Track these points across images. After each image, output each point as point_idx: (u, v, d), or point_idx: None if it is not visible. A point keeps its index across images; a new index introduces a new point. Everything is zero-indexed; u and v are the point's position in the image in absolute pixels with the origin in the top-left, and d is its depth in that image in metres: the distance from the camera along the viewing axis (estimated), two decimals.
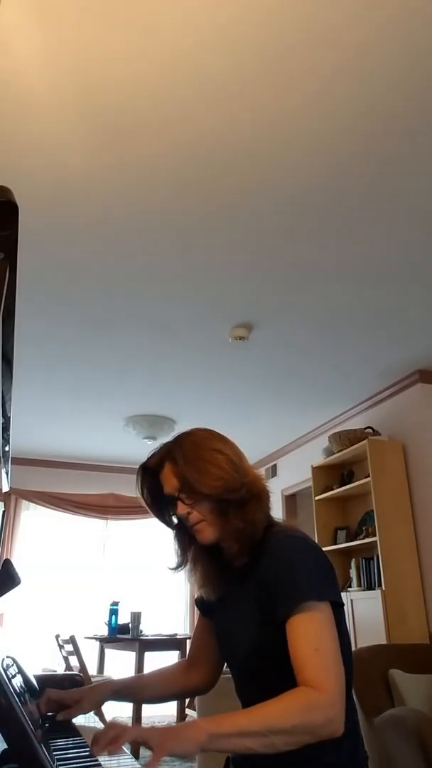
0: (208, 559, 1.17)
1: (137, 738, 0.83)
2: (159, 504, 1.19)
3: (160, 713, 5.26)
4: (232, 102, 1.92)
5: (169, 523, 1.21)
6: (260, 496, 1.11)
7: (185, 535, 1.17)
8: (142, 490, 1.19)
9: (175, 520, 1.18)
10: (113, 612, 4.53)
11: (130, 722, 3.96)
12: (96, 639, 4.66)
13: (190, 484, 1.09)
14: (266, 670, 1.05)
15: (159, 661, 4.69)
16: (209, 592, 1.18)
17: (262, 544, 1.09)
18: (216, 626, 1.22)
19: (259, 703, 0.90)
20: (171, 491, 1.13)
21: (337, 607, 1.02)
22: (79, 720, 1.21)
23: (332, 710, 0.87)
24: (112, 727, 0.85)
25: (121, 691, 1.21)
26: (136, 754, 4.05)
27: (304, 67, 1.80)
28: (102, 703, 1.19)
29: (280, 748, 0.85)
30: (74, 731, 1.13)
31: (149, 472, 1.18)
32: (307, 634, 0.94)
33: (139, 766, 0.89)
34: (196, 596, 1.29)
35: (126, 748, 0.89)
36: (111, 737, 0.83)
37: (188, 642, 5.82)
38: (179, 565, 1.20)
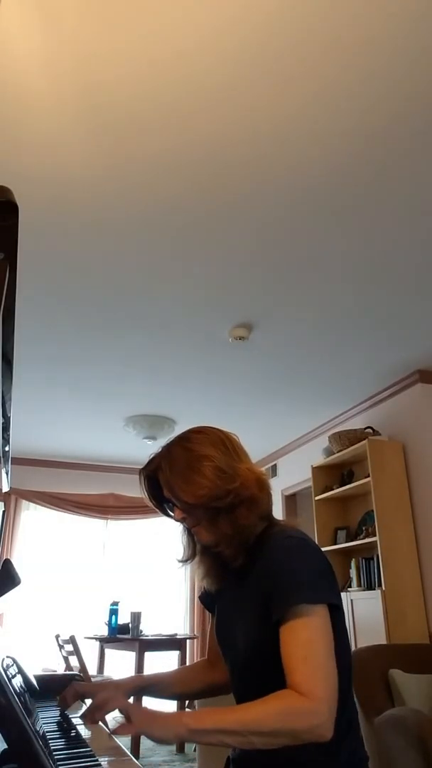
0: (212, 554, 1.18)
1: (120, 708, 0.89)
2: (162, 503, 1.21)
3: None
4: (232, 102, 1.92)
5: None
6: (252, 500, 1.09)
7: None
8: (146, 491, 1.21)
9: None
10: (113, 612, 4.53)
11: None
12: (96, 639, 4.66)
13: (175, 493, 1.11)
14: (263, 669, 1.05)
15: (159, 661, 4.70)
16: (211, 584, 1.20)
17: (261, 545, 1.09)
18: (216, 623, 1.23)
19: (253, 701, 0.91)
20: (167, 496, 1.15)
21: (335, 609, 1.01)
22: (77, 719, 1.21)
23: (316, 718, 0.87)
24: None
25: (147, 687, 1.24)
26: (136, 754, 4.05)
27: (304, 67, 1.80)
28: (128, 699, 1.20)
29: (258, 746, 0.88)
30: (75, 731, 1.13)
31: (150, 476, 1.19)
32: (297, 640, 0.94)
33: (140, 766, 0.89)
34: (200, 594, 1.31)
35: (126, 749, 0.90)
36: (98, 703, 0.87)
37: (188, 642, 5.81)
38: (187, 559, 1.22)
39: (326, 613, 0.98)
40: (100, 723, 1.15)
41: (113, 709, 0.88)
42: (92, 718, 1.13)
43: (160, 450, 1.19)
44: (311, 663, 0.91)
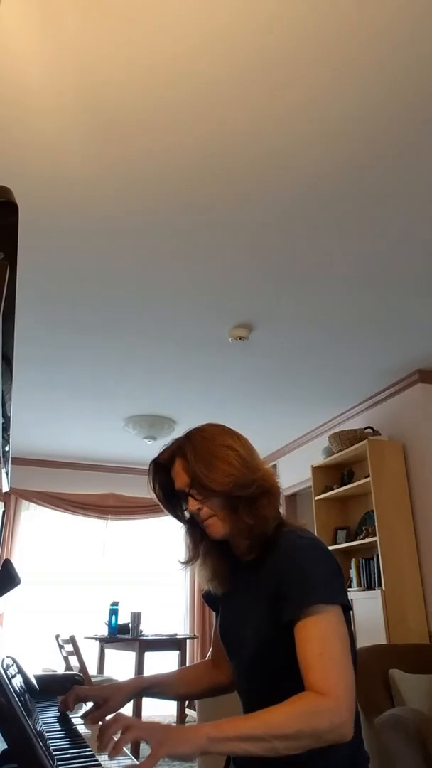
0: (218, 554, 1.17)
1: (138, 737, 0.82)
2: (170, 499, 1.19)
3: (160, 713, 5.27)
4: (231, 103, 1.92)
5: (180, 518, 1.21)
6: (271, 492, 1.11)
7: (197, 530, 1.18)
8: (154, 485, 1.19)
9: (187, 514, 1.18)
10: (113, 612, 4.53)
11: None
12: (96, 639, 4.66)
13: (199, 480, 1.09)
14: (270, 670, 1.04)
15: (159, 661, 4.70)
16: (217, 587, 1.18)
17: (272, 544, 1.08)
18: (220, 623, 1.22)
19: (260, 702, 0.90)
20: (182, 487, 1.13)
21: (346, 610, 1.01)
22: (77, 719, 1.21)
23: (337, 717, 0.85)
24: (117, 720, 0.84)
25: (149, 688, 1.23)
26: (136, 753, 4.05)
27: (304, 67, 1.80)
28: (129, 701, 1.20)
29: (282, 752, 0.84)
30: (75, 731, 1.13)
31: (160, 468, 1.18)
32: (314, 637, 0.93)
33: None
34: (203, 592, 1.29)
35: (125, 748, 0.89)
36: (113, 732, 0.82)
37: (188, 642, 5.81)
38: (190, 560, 1.20)
39: (340, 613, 0.97)
40: (101, 723, 1.15)
41: (130, 740, 0.83)
42: (93, 717, 1.13)
43: (173, 442, 1.17)
44: (327, 660, 0.90)
